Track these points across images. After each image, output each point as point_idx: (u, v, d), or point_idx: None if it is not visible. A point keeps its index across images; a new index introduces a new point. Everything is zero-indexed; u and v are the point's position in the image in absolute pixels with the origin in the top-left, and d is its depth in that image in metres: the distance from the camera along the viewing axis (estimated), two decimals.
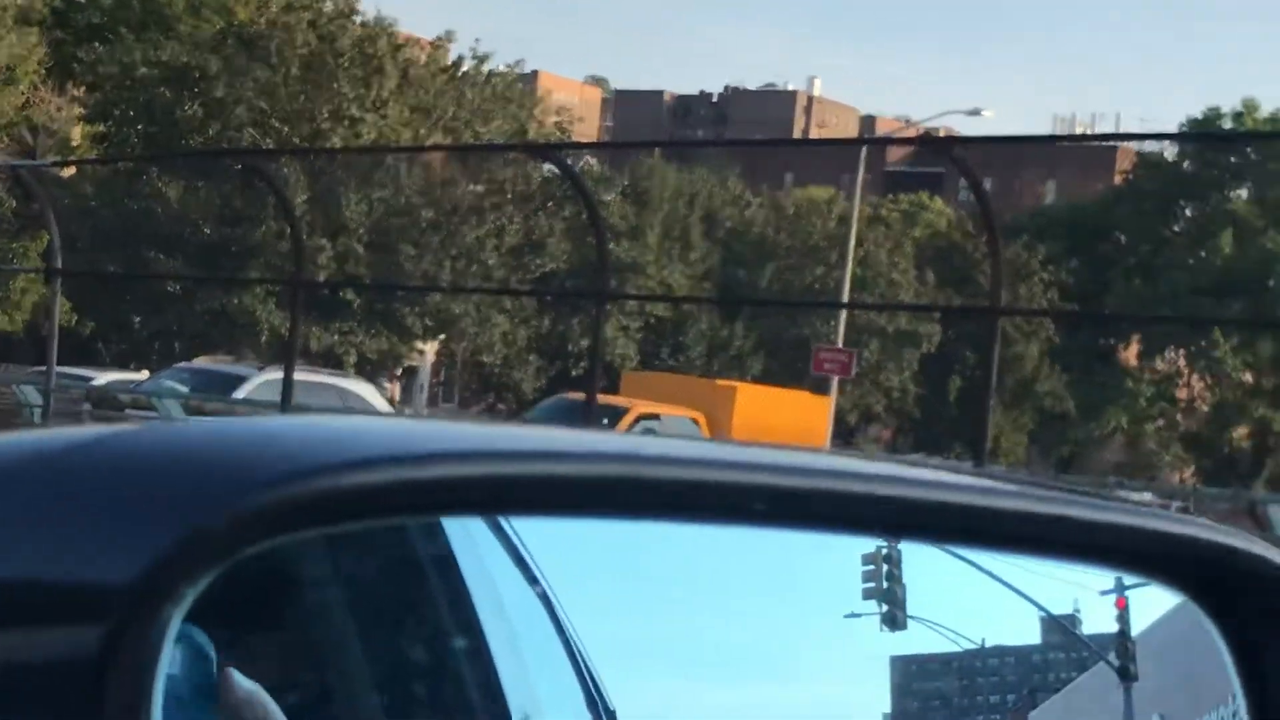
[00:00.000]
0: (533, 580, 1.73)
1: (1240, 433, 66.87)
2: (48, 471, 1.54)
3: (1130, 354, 68.84)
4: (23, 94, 47.40)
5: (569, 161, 23.73)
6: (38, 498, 1.52)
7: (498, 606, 1.74)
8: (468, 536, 1.71)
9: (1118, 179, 78.18)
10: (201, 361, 31.51)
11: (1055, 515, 1.81)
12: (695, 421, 31.99)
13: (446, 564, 1.71)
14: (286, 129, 46.84)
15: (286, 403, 19.36)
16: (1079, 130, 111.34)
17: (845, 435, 59.92)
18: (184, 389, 25.78)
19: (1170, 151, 68.95)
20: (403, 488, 1.52)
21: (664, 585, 1.79)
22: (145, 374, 32.22)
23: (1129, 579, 1.92)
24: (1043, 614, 1.96)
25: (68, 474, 1.54)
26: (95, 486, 1.51)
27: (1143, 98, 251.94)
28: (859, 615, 1.87)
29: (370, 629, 1.69)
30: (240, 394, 25.90)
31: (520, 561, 1.72)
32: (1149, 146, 70.19)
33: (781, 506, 1.68)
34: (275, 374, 25.03)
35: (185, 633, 1.48)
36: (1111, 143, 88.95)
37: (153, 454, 1.57)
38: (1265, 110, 65.94)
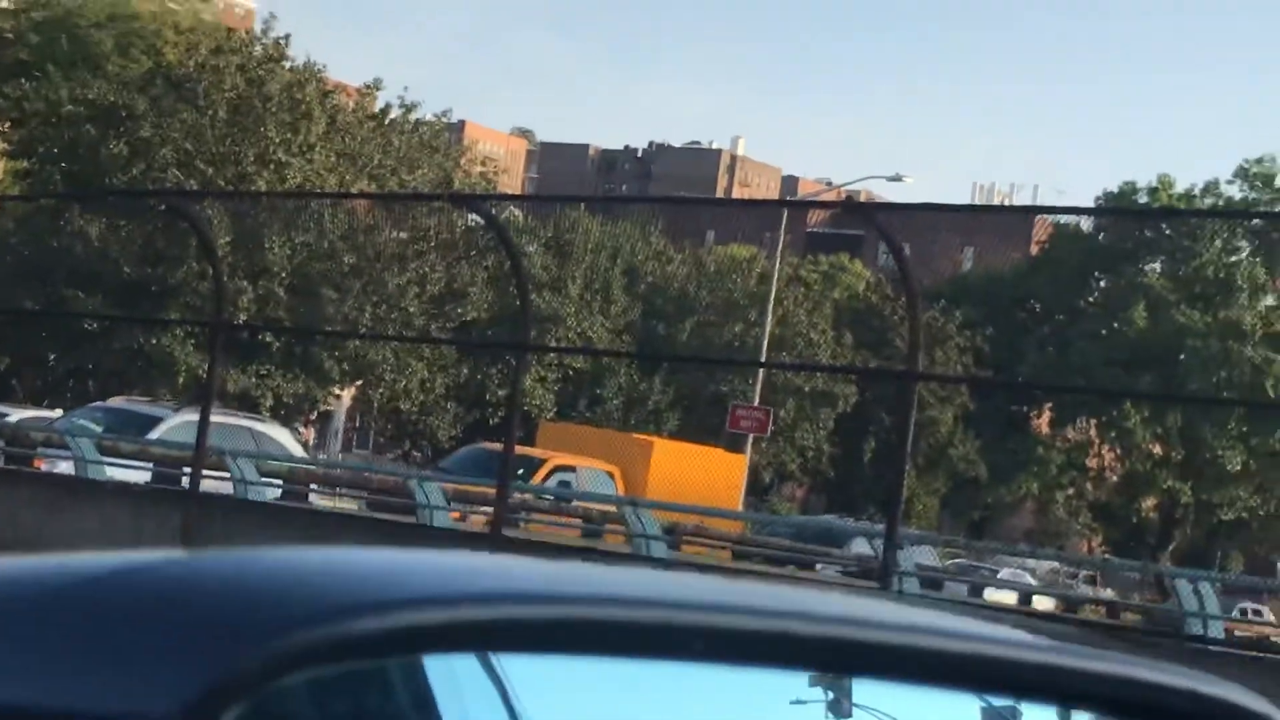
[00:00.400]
0: (510, 712, 1.77)
1: (1149, 503, 67.38)
2: (84, 602, 1.62)
3: (1043, 422, 69.29)
4: None
5: (493, 211, 23.74)
6: (77, 628, 1.59)
7: None
8: (450, 672, 1.75)
9: (1034, 249, 78.90)
10: (117, 401, 31.21)
11: (1023, 661, 1.83)
12: (610, 475, 31.97)
13: (427, 698, 1.75)
14: (211, 171, 46.61)
15: (201, 445, 19.23)
16: (998, 199, 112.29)
17: (760, 493, 59.94)
18: (98, 428, 25.52)
19: (1086, 224, 69.64)
20: (434, 630, 1.59)
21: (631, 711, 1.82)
22: (59, 413, 31.89)
23: None
24: (984, 705, 1.96)
25: (105, 605, 1.61)
26: (135, 620, 1.59)
27: (1061, 170, 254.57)
28: (805, 703, 1.89)
29: None
30: (155, 434, 25.66)
31: (503, 696, 1.76)
32: (1065, 218, 70.82)
33: (741, 650, 1.72)
34: (191, 415, 24.81)
35: None
36: (1029, 214, 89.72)
37: (190, 589, 1.65)
38: (1179, 186, 66.81)
